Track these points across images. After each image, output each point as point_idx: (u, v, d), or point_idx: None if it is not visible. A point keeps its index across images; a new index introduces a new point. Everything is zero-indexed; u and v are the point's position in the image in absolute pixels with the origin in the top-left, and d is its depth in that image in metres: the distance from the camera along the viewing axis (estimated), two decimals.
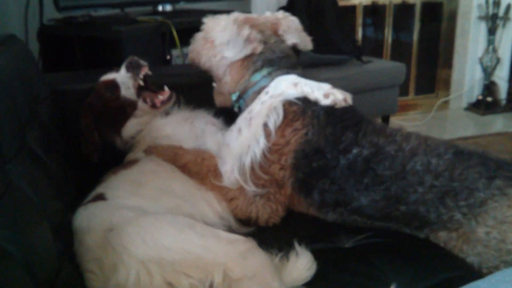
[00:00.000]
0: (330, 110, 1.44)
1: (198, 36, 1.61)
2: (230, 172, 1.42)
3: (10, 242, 0.89)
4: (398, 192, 1.32)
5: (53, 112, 1.61)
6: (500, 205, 1.26)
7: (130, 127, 1.67)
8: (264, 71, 1.51)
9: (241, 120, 1.46)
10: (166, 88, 1.67)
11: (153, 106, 1.67)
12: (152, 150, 1.54)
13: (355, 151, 1.37)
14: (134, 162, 1.53)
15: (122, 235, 1.10)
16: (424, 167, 1.32)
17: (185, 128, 1.66)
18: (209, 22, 1.61)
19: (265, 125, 1.41)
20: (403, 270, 1.23)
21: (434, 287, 1.18)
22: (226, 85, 1.57)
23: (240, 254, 1.09)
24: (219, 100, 1.65)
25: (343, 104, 1.46)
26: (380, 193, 1.34)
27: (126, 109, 1.65)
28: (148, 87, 1.68)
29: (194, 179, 1.49)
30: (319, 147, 1.39)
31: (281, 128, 1.41)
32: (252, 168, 1.40)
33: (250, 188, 1.41)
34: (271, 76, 1.50)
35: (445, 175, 1.31)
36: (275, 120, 1.40)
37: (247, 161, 1.40)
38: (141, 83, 1.65)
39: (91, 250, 1.14)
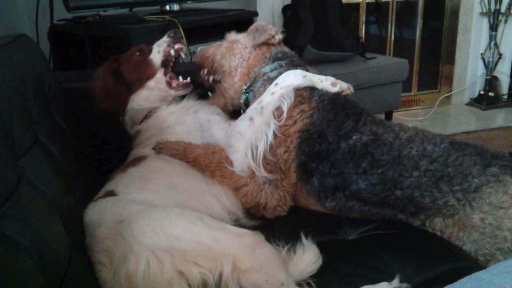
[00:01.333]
0: (334, 98, 1.53)
1: (220, 45, 1.74)
2: (242, 158, 1.48)
3: (22, 235, 0.91)
4: (395, 176, 1.36)
5: (64, 109, 1.63)
6: (495, 191, 1.28)
7: (139, 98, 1.71)
8: (274, 64, 1.63)
9: (251, 110, 1.52)
10: (188, 79, 1.73)
11: (169, 84, 1.71)
12: (162, 146, 1.55)
13: (355, 137, 1.42)
14: (141, 159, 1.54)
15: (132, 226, 1.11)
16: (419, 153, 1.36)
17: (189, 118, 1.68)
18: (231, 35, 1.77)
19: (277, 109, 1.49)
20: (406, 261, 1.25)
21: (436, 277, 1.19)
22: (235, 83, 1.67)
23: (248, 246, 1.11)
24: (220, 104, 1.73)
25: (348, 92, 1.59)
26: (377, 177, 1.37)
27: (144, 72, 1.70)
28: (173, 68, 1.74)
29: (204, 173, 1.52)
30: (322, 130, 1.45)
31: (290, 110, 1.49)
32: (263, 153, 1.46)
33: (261, 173, 1.46)
34: (279, 69, 1.60)
35: (440, 161, 1.34)
36: (287, 103, 1.49)
37: (261, 147, 1.46)
38: (172, 52, 1.71)
39: (102, 242, 1.15)
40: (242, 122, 1.52)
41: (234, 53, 1.69)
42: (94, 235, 1.18)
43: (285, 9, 3.58)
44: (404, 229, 1.40)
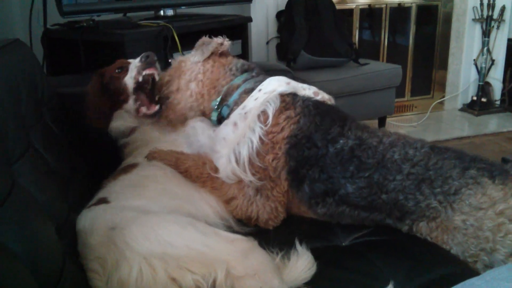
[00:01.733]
0: (318, 104, 1.54)
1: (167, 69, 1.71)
2: (226, 163, 1.46)
3: (15, 241, 0.91)
4: (380, 179, 1.38)
5: (57, 114, 1.63)
6: (474, 192, 1.30)
7: (118, 118, 1.70)
8: (245, 75, 1.62)
9: (235, 116, 1.52)
10: (157, 105, 1.68)
11: (137, 111, 1.69)
12: (155, 155, 1.56)
13: (342, 141, 1.44)
14: (133, 166, 1.54)
15: (125, 233, 1.10)
16: (402, 157, 1.39)
17: (173, 134, 1.69)
18: (177, 57, 1.75)
19: (262, 113, 1.48)
20: (399, 267, 1.26)
21: (429, 283, 1.20)
22: (186, 98, 1.65)
23: (241, 253, 1.11)
24: (167, 120, 1.69)
25: (328, 103, 1.61)
26: (364, 180, 1.39)
27: (120, 94, 1.68)
28: (146, 92, 1.69)
29: (195, 183, 1.52)
30: (310, 135, 1.46)
31: (275, 116, 1.48)
32: (249, 159, 1.45)
33: (247, 177, 1.45)
34: (253, 79, 1.60)
35: (421, 164, 1.37)
36: (272, 107, 1.48)
37: (244, 151, 1.45)
38: (140, 79, 1.65)
39: (94, 249, 1.14)
40: (226, 127, 1.51)
41: (183, 71, 1.67)
42: (87, 243, 1.17)
43: (279, 15, 3.59)
44: (398, 235, 1.40)
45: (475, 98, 4.34)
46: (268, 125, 1.47)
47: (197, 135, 1.64)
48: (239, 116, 1.49)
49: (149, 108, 1.66)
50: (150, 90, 1.68)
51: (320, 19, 3.37)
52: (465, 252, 1.29)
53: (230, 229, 1.46)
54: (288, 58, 3.28)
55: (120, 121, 1.70)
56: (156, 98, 1.69)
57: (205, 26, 2.55)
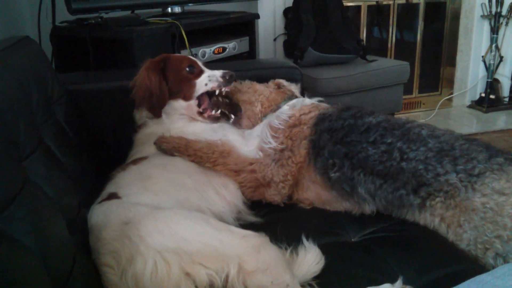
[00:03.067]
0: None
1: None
2: (254, 153, 1.63)
3: (27, 236, 0.91)
4: (403, 147, 1.43)
5: (67, 111, 1.64)
6: (498, 177, 1.30)
7: (168, 107, 1.74)
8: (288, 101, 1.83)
9: (268, 118, 1.75)
10: (219, 110, 1.77)
11: (200, 113, 1.75)
12: (163, 140, 1.60)
13: (370, 118, 1.56)
14: (142, 158, 1.56)
15: (139, 227, 1.11)
16: (429, 134, 1.46)
17: (200, 123, 1.75)
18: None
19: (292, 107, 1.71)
20: (408, 263, 1.26)
21: (439, 280, 1.19)
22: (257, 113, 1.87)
23: (253, 248, 1.12)
24: (244, 124, 1.88)
25: None
26: (386, 146, 1.46)
27: (185, 91, 1.74)
28: (220, 102, 1.79)
29: (205, 164, 1.57)
30: (338, 114, 1.61)
31: (303, 107, 1.70)
32: (274, 130, 1.64)
33: (269, 144, 1.61)
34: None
35: (447, 142, 1.42)
36: (300, 103, 1.73)
37: (268, 131, 1.64)
38: (217, 92, 1.76)
39: (108, 244, 1.14)
40: (260, 127, 1.71)
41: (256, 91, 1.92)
42: (100, 237, 1.18)
43: (286, 12, 3.58)
44: (407, 232, 1.40)
45: (483, 94, 4.32)
46: (296, 109, 1.68)
47: (225, 131, 1.72)
48: (272, 116, 1.72)
49: (215, 111, 1.76)
50: (225, 103, 1.80)
51: (328, 16, 3.36)
52: (479, 237, 1.28)
53: (239, 214, 1.53)
54: (296, 55, 3.28)
55: (170, 110, 1.74)
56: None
57: (213, 23, 2.56)
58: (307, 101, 1.78)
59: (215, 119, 1.76)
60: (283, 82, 1.92)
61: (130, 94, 1.72)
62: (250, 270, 1.07)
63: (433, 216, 1.38)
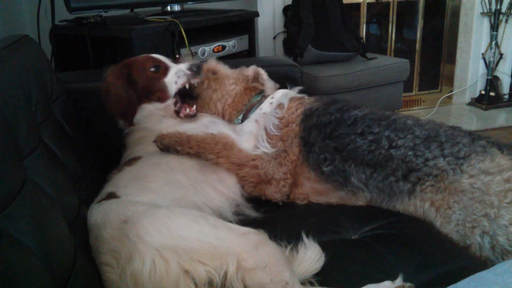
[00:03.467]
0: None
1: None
2: (252, 147, 1.65)
3: (27, 235, 0.91)
4: (391, 136, 1.48)
5: (67, 110, 1.64)
6: (483, 158, 1.37)
7: (144, 111, 1.71)
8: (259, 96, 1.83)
9: (255, 115, 1.74)
10: (194, 107, 1.74)
11: (176, 112, 1.72)
12: (163, 136, 1.58)
13: (356, 111, 1.60)
14: (136, 159, 1.56)
15: (137, 226, 1.11)
16: (414, 123, 1.52)
17: (190, 123, 1.72)
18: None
19: (278, 106, 1.72)
20: (408, 261, 1.26)
21: (439, 277, 1.19)
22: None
23: (252, 245, 1.12)
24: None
25: None
26: (374, 136, 1.50)
27: (157, 93, 1.70)
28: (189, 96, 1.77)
29: (208, 155, 1.57)
30: (325, 108, 1.64)
31: (289, 104, 1.71)
32: (268, 133, 1.65)
33: (267, 149, 1.62)
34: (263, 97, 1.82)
35: (433, 129, 1.48)
36: (286, 100, 1.72)
37: (264, 135, 1.65)
38: (187, 86, 1.71)
39: (107, 243, 1.15)
40: (251, 124, 1.71)
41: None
42: (100, 236, 1.18)
43: (286, 10, 3.58)
44: (407, 229, 1.40)
45: (483, 92, 4.31)
46: (284, 110, 1.68)
47: (217, 126, 1.70)
48: (259, 115, 1.72)
49: (190, 109, 1.72)
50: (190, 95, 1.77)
51: (327, 14, 3.35)
52: (468, 217, 1.33)
53: (238, 208, 1.54)
54: (295, 52, 3.28)
55: (145, 113, 1.71)
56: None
57: (212, 22, 2.56)
58: (290, 93, 1.78)
59: (192, 117, 1.73)
60: (261, 74, 1.84)
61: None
62: (249, 268, 1.08)
63: (423, 202, 1.43)
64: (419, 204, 1.43)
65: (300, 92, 1.84)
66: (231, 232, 1.15)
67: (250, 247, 1.11)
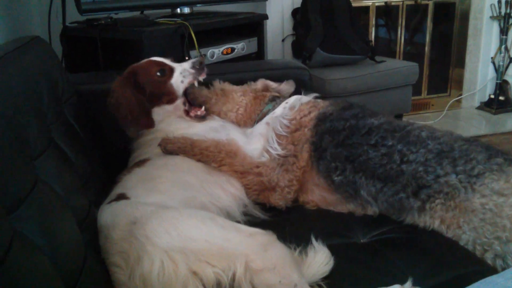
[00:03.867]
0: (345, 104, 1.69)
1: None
2: (260, 154, 1.64)
3: (38, 236, 0.92)
4: (403, 150, 1.44)
5: (77, 111, 1.65)
6: (498, 178, 1.30)
7: (155, 115, 1.71)
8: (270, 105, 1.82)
9: (267, 118, 1.73)
10: (203, 108, 1.76)
11: (187, 112, 1.74)
12: (168, 141, 1.59)
13: (372, 120, 1.56)
14: (145, 161, 1.56)
15: (146, 227, 1.11)
16: (428, 135, 1.47)
17: (199, 124, 1.73)
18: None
19: (290, 107, 1.72)
20: (417, 265, 1.25)
21: (448, 282, 1.19)
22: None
23: (260, 246, 1.11)
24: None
25: None
26: (387, 149, 1.46)
27: (165, 96, 1.70)
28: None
29: (211, 163, 1.57)
30: (339, 113, 1.61)
31: (302, 106, 1.71)
32: (278, 136, 1.64)
33: (276, 151, 1.61)
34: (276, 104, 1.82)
35: (447, 143, 1.42)
36: (299, 103, 1.73)
37: (274, 136, 1.64)
38: (196, 84, 1.73)
39: (116, 244, 1.15)
40: (261, 126, 1.70)
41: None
42: (109, 237, 1.19)
43: (294, 13, 3.58)
44: (416, 233, 1.40)
45: (492, 96, 4.28)
46: (295, 110, 1.68)
47: (227, 130, 1.71)
48: (270, 118, 1.71)
49: (199, 110, 1.75)
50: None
51: (336, 17, 3.35)
52: (478, 239, 1.28)
53: (246, 208, 1.54)
54: (304, 55, 3.27)
55: (155, 116, 1.71)
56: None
57: (221, 24, 2.56)
58: (304, 99, 1.77)
59: (201, 118, 1.74)
60: (269, 84, 1.88)
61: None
62: (257, 269, 1.07)
63: (432, 219, 1.38)
64: (429, 221, 1.39)
65: (315, 98, 1.82)
66: (240, 233, 1.15)
67: (258, 248, 1.11)
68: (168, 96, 1.71)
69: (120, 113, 1.65)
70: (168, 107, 1.72)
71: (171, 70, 1.72)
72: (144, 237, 1.09)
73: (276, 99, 1.85)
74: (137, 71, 1.70)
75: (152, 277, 1.03)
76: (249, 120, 1.83)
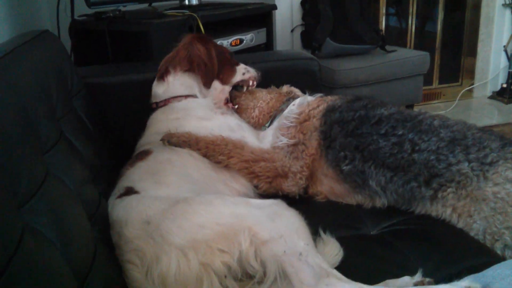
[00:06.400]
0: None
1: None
2: (270, 143, 1.67)
3: (49, 229, 0.92)
4: (415, 138, 1.42)
5: (86, 104, 1.66)
6: (511, 166, 1.28)
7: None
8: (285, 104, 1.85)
9: (277, 121, 1.77)
10: (236, 106, 1.90)
11: (227, 100, 1.84)
12: (171, 135, 1.59)
13: (382, 110, 1.55)
14: (147, 153, 1.55)
15: (161, 227, 1.13)
16: (440, 124, 1.45)
17: (217, 117, 1.73)
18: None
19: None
20: (428, 257, 1.25)
21: (459, 273, 1.17)
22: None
23: (267, 217, 1.12)
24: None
25: None
26: (398, 138, 1.45)
27: (223, 72, 1.81)
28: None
29: (218, 157, 1.56)
30: (348, 104, 1.62)
31: (311, 101, 1.73)
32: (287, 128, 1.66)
33: (283, 140, 1.63)
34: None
35: (460, 131, 1.41)
36: (307, 100, 1.75)
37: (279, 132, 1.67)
38: (250, 83, 1.88)
39: (130, 242, 1.16)
40: (271, 131, 1.74)
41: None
42: (122, 235, 1.19)
43: (304, 2, 3.55)
44: (426, 225, 1.39)
45: (505, 85, 4.23)
46: (303, 105, 1.70)
47: (243, 131, 1.73)
48: (278, 121, 1.75)
49: (232, 106, 1.87)
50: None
51: (346, 6, 3.32)
52: (488, 228, 1.27)
53: None
54: (313, 46, 3.26)
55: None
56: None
57: (230, 15, 2.55)
58: (310, 98, 1.79)
59: (232, 113, 1.80)
60: (294, 90, 1.94)
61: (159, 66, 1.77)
62: (263, 240, 1.08)
63: (444, 207, 1.37)
64: (441, 210, 1.38)
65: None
66: (248, 207, 1.16)
67: (265, 219, 1.11)
68: (226, 75, 1.81)
69: (193, 60, 1.74)
70: (218, 85, 1.80)
71: (237, 63, 1.87)
72: (160, 237, 1.11)
73: (291, 99, 1.88)
74: (214, 42, 1.83)
75: (170, 277, 1.06)
76: (267, 115, 1.87)
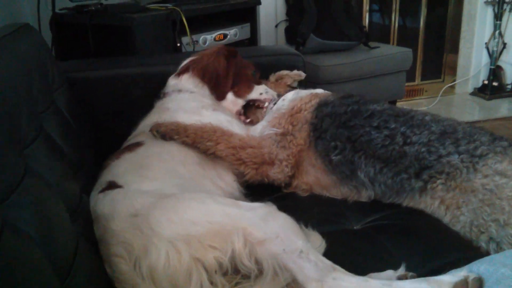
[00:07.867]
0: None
1: None
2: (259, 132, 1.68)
3: (29, 225, 0.91)
4: (407, 132, 1.44)
5: (68, 99, 1.63)
6: (501, 159, 1.30)
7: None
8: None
9: (270, 112, 1.78)
10: (248, 120, 1.89)
11: (238, 113, 1.86)
12: (160, 125, 1.59)
13: (374, 106, 1.58)
14: (137, 145, 1.54)
15: (149, 219, 1.11)
16: (432, 119, 1.48)
17: (207, 113, 1.72)
18: None
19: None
20: (412, 251, 1.25)
21: (442, 267, 1.17)
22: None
23: (260, 218, 1.12)
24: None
25: None
26: (390, 131, 1.47)
27: (239, 85, 1.83)
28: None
29: (207, 143, 1.56)
30: (341, 100, 1.64)
31: (304, 96, 1.72)
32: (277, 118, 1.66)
33: (272, 130, 1.63)
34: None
35: (451, 125, 1.44)
36: (300, 94, 1.75)
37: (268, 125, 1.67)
38: (266, 105, 1.86)
39: (117, 235, 1.15)
40: (260, 125, 1.72)
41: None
42: (108, 228, 1.18)
43: None
44: (410, 220, 1.40)
45: (486, 82, 4.30)
46: (295, 100, 1.70)
47: (233, 128, 1.71)
48: (272, 111, 1.75)
49: (245, 119, 1.87)
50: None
51: (330, 2, 3.33)
52: (475, 220, 1.28)
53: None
54: (297, 41, 3.26)
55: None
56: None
57: (214, 9, 2.54)
58: (303, 92, 1.79)
59: (223, 108, 1.80)
60: (285, 72, 1.95)
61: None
62: (259, 240, 1.07)
63: (433, 199, 1.38)
64: (429, 202, 1.39)
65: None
66: (239, 208, 1.15)
67: (259, 220, 1.11)
68: (242, 90, 1.82)
69: (207, 71, 1.78)
70: (231, 97, 1.82)
71: (259, 82, 1.89)
72: (149, 229, 1.10)
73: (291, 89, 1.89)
74: (240, 59, 1.84)
75: (159, 268, 1.05)
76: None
